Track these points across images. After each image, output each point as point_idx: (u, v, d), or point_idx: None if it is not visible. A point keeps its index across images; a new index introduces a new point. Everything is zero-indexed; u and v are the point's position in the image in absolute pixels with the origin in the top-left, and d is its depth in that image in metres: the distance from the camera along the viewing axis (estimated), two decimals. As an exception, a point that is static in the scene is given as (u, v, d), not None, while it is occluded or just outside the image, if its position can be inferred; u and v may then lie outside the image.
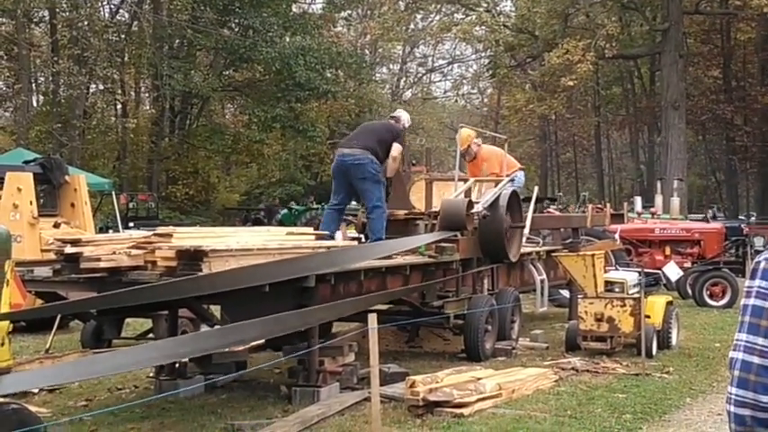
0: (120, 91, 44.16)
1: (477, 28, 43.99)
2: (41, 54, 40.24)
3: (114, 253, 8.40)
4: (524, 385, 10.06)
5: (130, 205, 33.57)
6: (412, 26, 54.60)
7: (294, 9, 43.70)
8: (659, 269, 18.88)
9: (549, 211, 20.42)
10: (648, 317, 12.40)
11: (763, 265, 2.75)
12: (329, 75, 42.80)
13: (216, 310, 10.13)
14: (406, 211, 13.40)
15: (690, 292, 19.43)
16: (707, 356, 12.62)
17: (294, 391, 9.51)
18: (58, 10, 37.79)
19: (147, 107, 47.74)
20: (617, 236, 19.35)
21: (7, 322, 6.13)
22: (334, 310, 9.67)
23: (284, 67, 39.03)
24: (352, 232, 13.78)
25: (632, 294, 12.58)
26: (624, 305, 12.21)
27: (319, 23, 44.72)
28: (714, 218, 26.68)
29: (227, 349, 10.24)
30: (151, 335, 13.10)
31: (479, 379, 9.69)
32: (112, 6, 43.79)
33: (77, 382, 10.35)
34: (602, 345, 12.31)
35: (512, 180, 14.25)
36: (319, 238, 10.68)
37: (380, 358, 7.17)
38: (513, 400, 9.55)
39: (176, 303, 9.52)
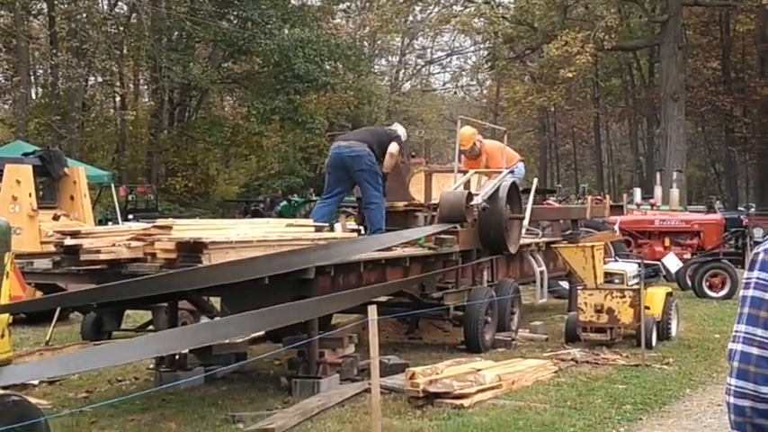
0: (118, 83, 44.19)
1: (476, 20, 43.90)
2: (40, 46, 40.19)
3: (114, 245, 8.39)
4: (524, 376, 10.07)
5: (130, 197, 33.55)
6: (411, 18, 54.48)
7: (293, 1, 43.59)
8: (659, 260, 18.86)
9: (548, 203, 20.43)
10: (648, 308, 12.40)
11: (762, 256, 2.75)
12: (328, 67, 42.76)
13: (216, 301, 10.14)
14: (405, 203, 13.40)
15: (689, 283, 19.44)
16: (706, 347, 12.63)
17: (294, 383, 9.51)
18: (56, 2, 37.83)
19: (146, 99, 47.77)
20: (616, 227, 19.35)
21: (7, 314, 6.13)
22: (334, 302, 9.67)
23: (283, 59, 39.01)
24: (352, 224, 13.77)
25: (632, 286, 12.59)
26: (624, 296, 12.21)
27: (318, 15, 44.67)
28: (713, 208, 26.63)
29: (227, 340, 10.26)
30: (151, 327, 13.11)
31: (479, 370, 9.70)
32: (111, -1, 43.78)
33: (77, 374, 10.37)
34: (602, 336, 12.32)
35: (511, 172, 14.24)
36: (319, 230, 10.68)
37: (380, 350, 7.17)
38: (512, 392, 9.56)
39: (176, 295, 9.52)
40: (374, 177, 12.13)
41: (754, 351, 2.65)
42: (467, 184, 13.51)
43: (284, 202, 37.65)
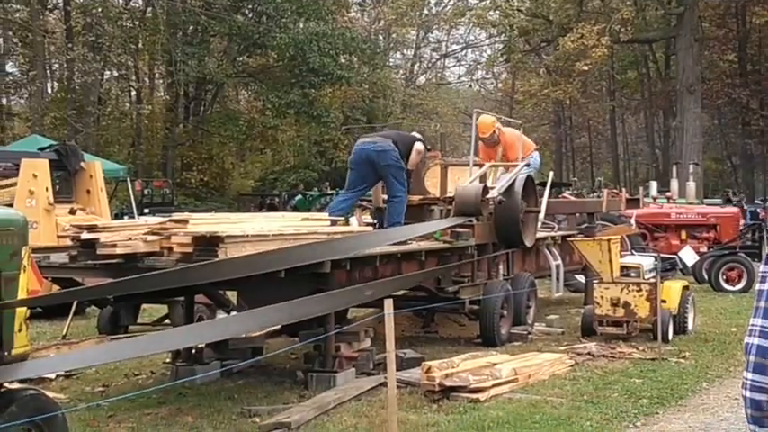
0: (134, 77, 44.29)
1: (491, 12, 43.84)
2: (56, 41, 40.26)
3: (130, 239, 8.43)
4: (540, 370, 10.06)
5: (145, 192, 33.58)
6: (426, 11, 54.34)
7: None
8: (675, 254, 18.83)
9: (564, 196, 20.39)
10: (664, 302, 12.38)
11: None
12: (343, 60, 42.73)
13: (232, 295, 10.16)
14: (420, 197, 13.41)
15: (706, 276, 19.38)
16: (723, 341, 12.60)
17: (310, 377, 9.53)
18: (72, -4, 37.88)
19: (162, 93, 47.87)
20: (632, 221, 19.29)
21: (25, 308, 6.15)
22: (349, 295, 9.66)
23: (298, 52, 39.01)
24: (368, 218, 13.78)
25: (648, 279, 12.55)
26: (640, 290, 12.19)
27: (333, 9, 44.56)
28: (730, 202, 26.49)
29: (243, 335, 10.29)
30: (167, 321, 13.17)
31: (495, 364, 9.70)
32: (126, -7, 43.85)
33: (94, 368, 10.41)
34: (618, 330, 12.30)
35: (527, 165, 14.23)
36: (333, 223, 10.70)
37: (396, 344, 7.17)
38: (529, 386, 9.56)
39: (193, 289, 9.54)
40: (399, 172, 12.21)
41: (771, 345, 2.64)
42: (482, 178, 13.51)
43: (299, 196, 37.67)
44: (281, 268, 8.41)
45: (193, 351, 10.32)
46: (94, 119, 38.23)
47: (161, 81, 47.95)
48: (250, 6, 41.21)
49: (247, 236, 8.55)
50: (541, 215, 13.98)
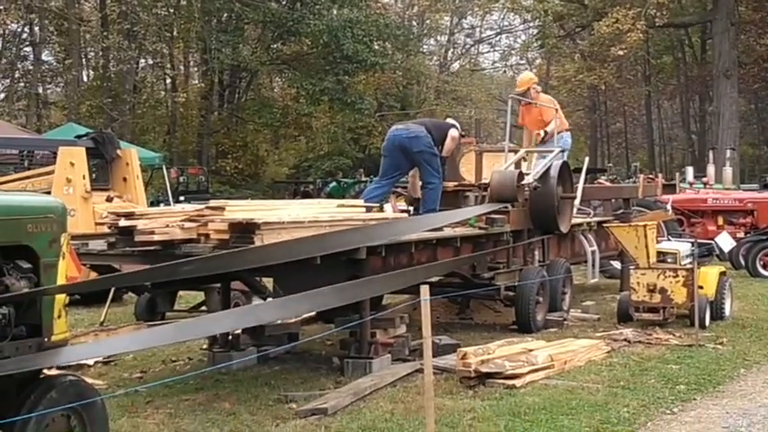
0: (169, 65, 44.46)
1: (526, -3, 43.71)
2: (91, 29, 40.52)
3: (167, 226, 8.47)
4: (576, 356, 10.04)
5: (181, 179, 33.74)
6: (459, -3, 54.29)
7: (341, -19, 43.62)
8: (712, 239, 18.72)
9: (599, 182, 20.30)
10: (701, 287, 12.29)
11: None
12: (377, 47, 42.71)
13: (268, 282, 10.19)
14: (455, 183, 13.39)
15: (743, 262, 19.24)
16: (761, 327, 12.52)
17: (346, 363, 9.56)
18: (107, -15, 38.04)
19: (196, 81, 48.06)
20: (669, 206, 19.18)
21: (64, 295, 6.19)
22: (386, 282, 9.65)
23: (332, 39, 39.05)
24: (402, 204, 13.78)
25: (685, 265, 12.48)
26: (677, 276, 12.12)
27: (366, -5, 44.63)
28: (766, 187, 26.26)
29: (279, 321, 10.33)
30: (204, 307, 13.22)
31: (531, 350, 9.68)
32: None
33: (132, 355, 10.49)
34: (655, 316, 12.24)
35: (563, 151, 14.18)
36: (368, 210, 10.70)
37: (432, 330, 7.18)
38: (565, 372, 9.54)
39: (229, 276, 9.58)
40: (432, 159, 12.21)
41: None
42: (518, 164, 13.47)
43: (334, 183, 37.69)
44: (318, 254, 8.43)
45: (230, 337, 10.37)
46: (130, 107, 38.46)
47: (196, 69, 48.14)
48: (284, -7, 41.29)
49: (283, 223, 8.57)
50: (577, 201, 13.93)
